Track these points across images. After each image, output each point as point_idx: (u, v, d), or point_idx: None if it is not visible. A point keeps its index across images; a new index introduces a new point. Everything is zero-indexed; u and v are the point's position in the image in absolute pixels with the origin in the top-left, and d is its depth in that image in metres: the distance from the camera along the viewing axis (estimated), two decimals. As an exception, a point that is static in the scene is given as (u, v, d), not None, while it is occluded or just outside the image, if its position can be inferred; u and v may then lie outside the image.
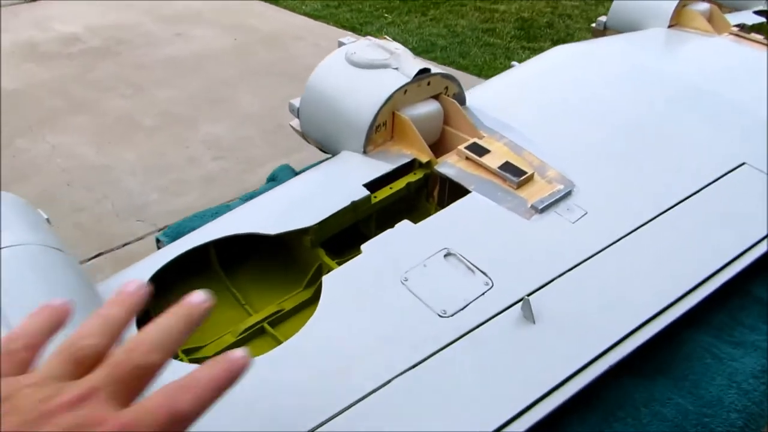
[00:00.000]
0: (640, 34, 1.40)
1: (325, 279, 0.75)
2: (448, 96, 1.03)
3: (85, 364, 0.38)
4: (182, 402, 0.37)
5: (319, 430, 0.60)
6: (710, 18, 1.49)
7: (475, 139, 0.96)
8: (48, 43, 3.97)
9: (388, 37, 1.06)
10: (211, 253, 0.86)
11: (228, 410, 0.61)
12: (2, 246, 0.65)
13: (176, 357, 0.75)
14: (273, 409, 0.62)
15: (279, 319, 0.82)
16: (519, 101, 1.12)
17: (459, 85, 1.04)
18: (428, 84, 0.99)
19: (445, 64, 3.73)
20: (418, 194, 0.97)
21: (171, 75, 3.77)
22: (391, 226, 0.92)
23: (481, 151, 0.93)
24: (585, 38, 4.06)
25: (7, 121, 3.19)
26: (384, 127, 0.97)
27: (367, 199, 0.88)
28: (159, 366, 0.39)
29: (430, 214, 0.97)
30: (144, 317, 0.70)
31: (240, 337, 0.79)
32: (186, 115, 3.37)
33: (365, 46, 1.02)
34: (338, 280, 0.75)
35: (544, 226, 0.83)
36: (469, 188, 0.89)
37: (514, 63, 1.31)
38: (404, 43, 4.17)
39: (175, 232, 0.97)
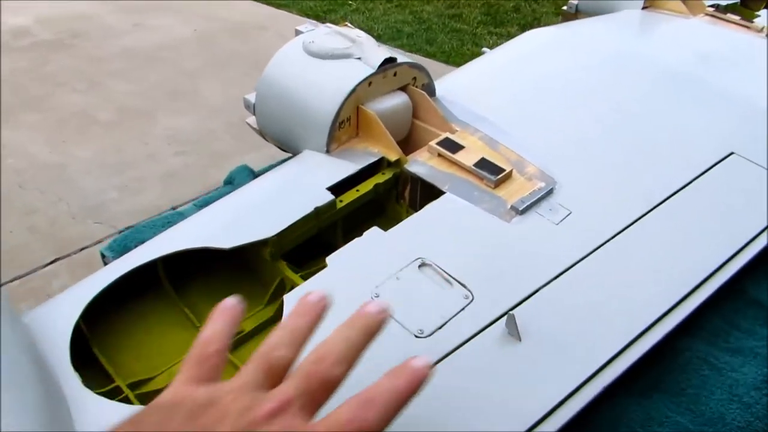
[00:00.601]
0: (614, 16, 1.34)
1: (287, 298, 0.67)
2: (416, 87, 0.95)
3: (277, 374, 0.41)
4: (370, 416, 0.39)
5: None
6: (684, -1, 1.43)
7: (448, 134, 0.88)
8: (-3, 36, 3.80)
9: (349, 24, 0.98)
10: (159, 270, 0.77)
11: None
12: None
13: (119, 395, 0.66)
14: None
15: (238, 341, 0.74)
16: (492, 90, 1.04)
17: (428, 75, 0.96)
18: (394, 75, 0.92)
19: (412, 52, 3.66)
20: (387, 196, 0.90)
21: (129, 67, 3.64)
22: (359, 232, 0.84)
23: (455, 147, 0.86)
24: (553, 22, 4.03)
25: (-47, 119, 3.04)
26: (348, 123, 0.89)
27: (331, 204, 0.80)
28: (343, 378, 0.41)
29: (401, 218, 0.89)
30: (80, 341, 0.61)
31: (193, 363, 0.70)
32: (145, 108, 3.25)
33: (324, 35, 0.94)
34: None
35: (526, 230, 0.76)
36: (443, 188, 0.81)
37: (485, 49, 1.24)
38: (369, 31, 4.11)
39: (121, 246, 0.88)
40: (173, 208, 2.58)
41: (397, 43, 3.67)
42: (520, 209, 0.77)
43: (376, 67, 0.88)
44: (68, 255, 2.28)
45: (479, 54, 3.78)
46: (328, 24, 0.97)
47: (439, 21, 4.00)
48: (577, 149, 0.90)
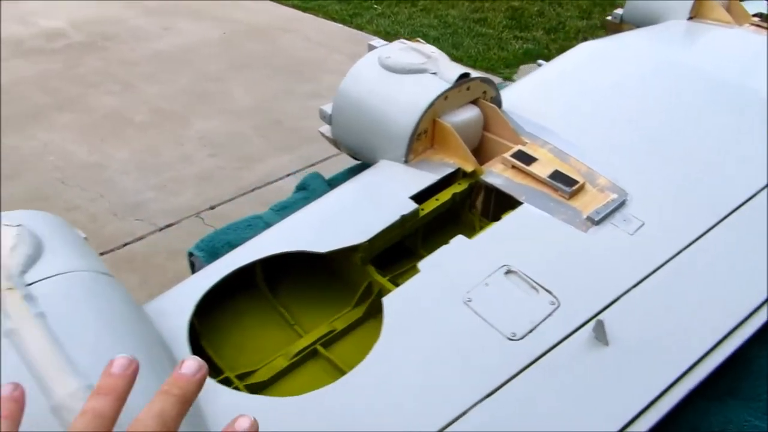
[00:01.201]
0: (662, 28, 1.38)
1: (386, 301, 0.72)
2: (485, 100, 0.99)
3: None
4: None
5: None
6: (728, 8, 1.47)
7: (520, 146, 0.93)
8: (32, 38, 3.87)
9: (421, 40, 1.03)
10: (257, 271, 0.82)
11: None
12: (52, 274, 0.61)
13: (231, 384, 0.71)
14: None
15: (331, 340, 0.79)
16: (553, 103, 1.09)
17: (496, 89, 1.01)
18: (468, 89, 0.96)
19: (438, 56, 3.68)
20: (461, 205, 0.94)
21: (159, 70, 3.69)
22: (435, 238, 0.89)
23: (528, 159, 0.90)
24: (576, 26, 4.06)
25: (-5, 118, 3.10)
26: (425, 135, 0.93)
27: (415, 212, 0.84)
28: None
29: (474, 226, 0.94)
30: (193, 338, 0.66)
31: (293, 360, 0.75)
32: (177, 110, 3.30)
33: (399, 50, 0.98)
34: (399, 301, 0.72)
35: (603, 239, 0.80)
36: (520, 199, 0.86)
37: (541, 62, 1.28)
38: (395, 35, 4.15)
39: (209, 246, 0.93)
40: (211, 207, 2.64)
41: (423, 48, 3.72)
42: (596, 220, 0.82)
43: (453, 81, 0.92)
44: (112, 250, 2.33)
45: (506, 59, 3.80)
46: (402, 39, 1.02)
47: (465, 25, 4.04)
48: (641, 161, 0.94)
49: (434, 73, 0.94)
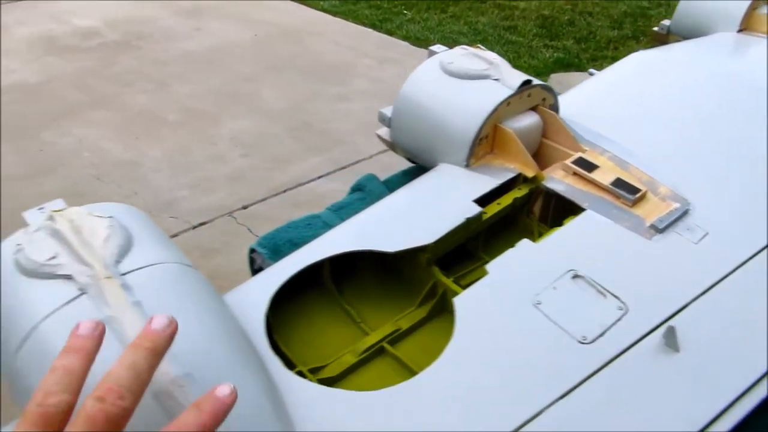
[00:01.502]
0: (712, 39, 1.38)
1: (457, 301, 0.73)
2: (544, 107, 1.01)
3: (55, 422, 0.38)
4: None
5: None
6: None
7: (580, 154, 0.94)
8: (67, 36, 3.94)
9: (481, 46, 1.04)
10: (325, 269, 0.83)
11: None
12: (144, 265, 0.63)
13: (304, 377, 0.73)
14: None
15: (397, 337, 0.80)
16: (608, 111, 1.10)
17: (555, 97, 1.02)
18: (528, 96, 0.98)
19: (468, 62, 3.70)
20: (519, 209, 0.95)
21: (191, 70, 3.74)
22: (493, 242, 0.91)
23: (590, 166, 0.91)
24: (607, 36, 4.06)
25: (31, 114, 3.16)
26: (485, 140, 0.95)
27: (479, 215, 0.86)
28: (132, 409, 0.40)
29: (532, 230, 0.95)
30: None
31: (361, 356, 0.77)
32: (209, 110, 3.34)
33: (461, 56, 1.00)
34: (471, 302, 0.73)
35: (667, 248, 0.81)
36: (582, 205, 0.87)
37: (592, 71, 1.29)
38: (425, 41, 4.15)
39: (271, 243, 0.95)
40: (244, 207, 2.67)
41: (453, 54, 3.74)
42: (660, 228, 0.83)
43: (515, 88, 0.94)
44: (147, 247, 2.37)
45: (536, 67, 3.80)
46: (464, 46, 1.03)
47: (495, 33, 4.06)
48: (702, 170, 0.95)
49: (497, 80, 0.96)
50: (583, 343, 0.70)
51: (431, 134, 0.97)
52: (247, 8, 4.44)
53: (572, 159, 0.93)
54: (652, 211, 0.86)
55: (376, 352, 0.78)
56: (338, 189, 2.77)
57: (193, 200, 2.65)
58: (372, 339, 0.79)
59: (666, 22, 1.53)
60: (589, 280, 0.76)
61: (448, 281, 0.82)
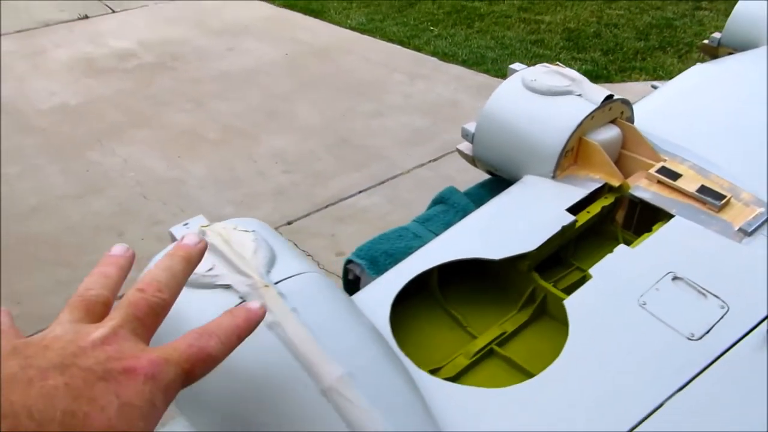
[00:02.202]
0: (765, 51, 1.43)
1: (568, 304, 0.78)
2: (622, 120, 1.06)
3: (96, 311, 0.41)
4: (209, 345, 0.42)
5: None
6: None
7: (662, 163, 0.99)
8: (104, 58, 4.03)
9: (560, 64, 1.09)
10: (433, 276, 0.89)
11: None
12: (291, 275, 0.68)
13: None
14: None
15: (504, 340, 0.85)
16: (679, 122, 1.14)
17: (631, 109, 1.07)
18: (609, 109, 1.03)
19: (497, 77, 3.77)
20: (604, 217, 1.00)
21: (227, 89, 3.82)
22: (583, 248, 0.95)
23: (673, 175, 0.96)
24: (634, 47, 4.10)
25: (75, 135, 3.25)
26: (570, 153, 1.00)
27: (572, 223, 0.91)
28: (169, 304, 0.43)
29: (617, 237, 1.00)
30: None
31: (473, 359, 0.81)
32: (247, 128, 3.41)
33: (543, 73, 1.05)
34: (581, 305, 0.78)
35: (758, 249, 0.86)
36: (671, 212, 0.91)
37: (655, 83, 1.34)
38: (453, 56, 4.20)
39: (368, 254, 1.00)
40: (288, 223, 2.73)
41: (482, 68, 3.80)
42: (749, 231, 0.87)
43: (599, 103, 0.99)
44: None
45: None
46: (545, 63, 1.09)
47: (522, 46, 4.12)
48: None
49: (579, 95, 1.01)
50: (691, 339, 0.74)
51: (517, 148, 1.02)
52: (276, 28, 4.53)
53: (656, 168, 0.98)
54: (737, 215, 0.90)
55: (486, 354, 0.83)
56: (379, 203, 2.83)
57: (238, 216, 2.71)
58: (481, 342, 0.84)
59: (717, 35, 1.58)
60: (689, 281, 0.80)
61: (549, 286, 0.87)
